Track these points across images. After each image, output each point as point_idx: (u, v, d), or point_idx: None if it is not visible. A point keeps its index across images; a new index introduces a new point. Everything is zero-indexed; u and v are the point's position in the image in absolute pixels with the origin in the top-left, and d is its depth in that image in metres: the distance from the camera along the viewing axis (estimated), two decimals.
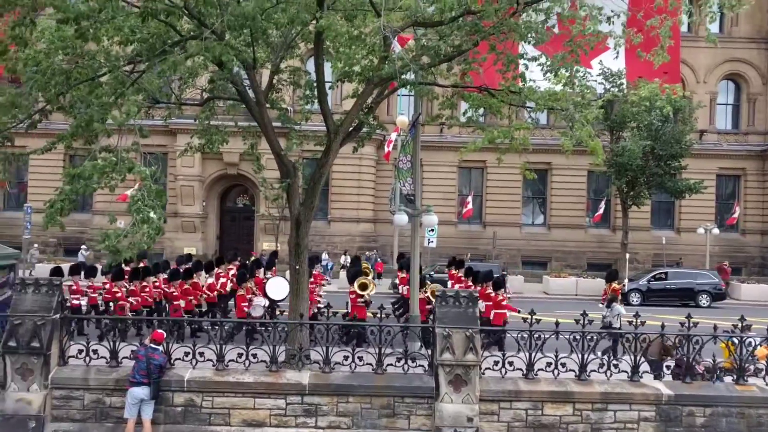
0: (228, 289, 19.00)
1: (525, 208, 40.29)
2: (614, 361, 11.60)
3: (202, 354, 11.38)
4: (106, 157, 10.61)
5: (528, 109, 14.77)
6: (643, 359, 11.64)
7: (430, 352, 11.68)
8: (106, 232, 10.20)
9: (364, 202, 37.29)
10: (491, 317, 16.72)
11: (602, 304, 18.70)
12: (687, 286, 30.51)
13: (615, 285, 19.58)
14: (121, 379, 11.04)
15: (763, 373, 11.56)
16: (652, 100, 19.91)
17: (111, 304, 17.01)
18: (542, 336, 11.32)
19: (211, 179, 36.48)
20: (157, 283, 18.12)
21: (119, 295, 16.92)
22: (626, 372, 11.46)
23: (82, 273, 18.21)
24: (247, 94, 13.44)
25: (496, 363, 11.32)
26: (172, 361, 11.38)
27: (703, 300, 30.18)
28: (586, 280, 33.89)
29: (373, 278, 21.22)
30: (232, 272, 19.70)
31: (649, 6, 11.31)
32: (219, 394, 11.09)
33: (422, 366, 11.58)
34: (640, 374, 11.45)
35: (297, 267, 13.54)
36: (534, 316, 11.34)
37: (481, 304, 17.21)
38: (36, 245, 33.82)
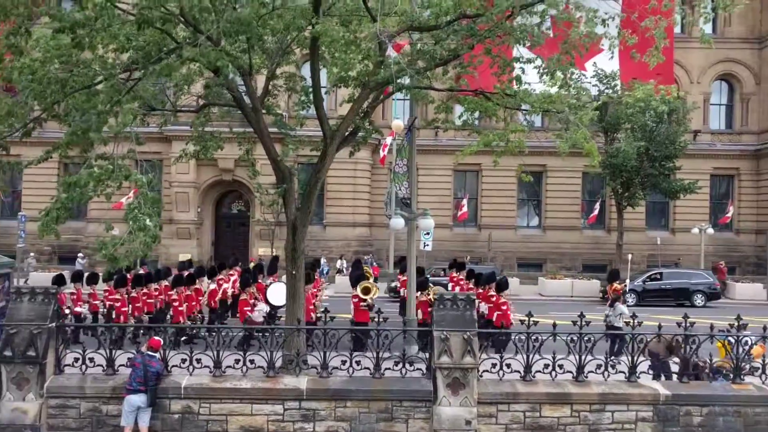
0: (229, 294, 19.02)
1: (520, 210, 40.39)
2: (611, 362, 11.62)
3: (199, 360, 11.36)
4: (102, 164, 10.60)
5: (523, 112, 14.80)
6: (642, 359, 11.67)
7: (427, 355, 11.69)
8: (102, 240, 10.20)
9: (359, 207, 37.31)
10: (494, 319, 16.72)
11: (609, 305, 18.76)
12: (682, 286, 30.62)
13: (616, 285, 19.63)
14: (118, 387, 11.02)
15: (759, 371, 11.60)
16: (647, 101, 20.04)
17: (113, 311, 16.98)
18: (539, 338, 11.35)
19: (206, 185, 36.45)
20: (158, 290, 18.11)
21: (120, 302, 16.88)
22: (624, 373, 11.49)
23: (84, 280, 18.20)
24: (243, 99, 13.47)
25: (493, 365, 11.34)
26: (169, 368, 11.36)
27: (698, 300, 30.30)
28: (582, 281, 34.01)
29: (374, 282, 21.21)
30: (233, 278, 19.70)
31: (644, 7, 11.37)
32: (216, 401, 11.08)
33: (420, 369, 11.60)
34: (637, 374, 11.49)
35: (294, 272, 13.55)
36: (531, 318, 11.37)
37: (484, 307, 17.29)
38: (32, 254, 33.73)
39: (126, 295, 17.04)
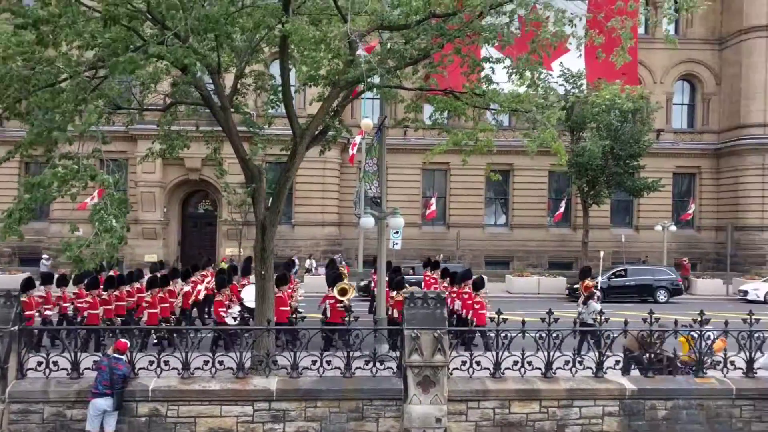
0: (202, 297, 18.84)
1: (487, 208, 40.74)
2: (579, 358, 11.78)
3: (167, 362, 11.21)
4: (67, 164, 10.40)
5: (492, 112, 14.92)
6: (609, 354, 11.85)
7: (398, 354, 11.71)
8: (67, 241, 10.00)
9: (328, 206, 37.20)
10: (470, 317, 16.81)
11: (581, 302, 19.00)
12: (645, 283, 31.22)
13: (588, 282, 19.87)
14: (83, 390, 10.81)
15: (721, 365, 11.88)
16: (614, 100, 20.37)
17: (86, 313, 16.65)
18: (509, 335, 11.46)
19: (173, 185, 35.97)
20: (130, 292, 17.85)
21: (91, 305, 16.54)
22: (591, 368, 11.67)
23: (54, 282, 17.83)
24: (211, 98, 13.33)
25: (463, 363, 11.41)
26: (136, 371, 11.20)
27: (661, 296, 30.91)
28: (548, 278, 34.46)
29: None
30: (207, 280, 19.51)
31: (610, 8, 11.56)
32: (185, 403, 10.95)
33: (391, 368, 11.62)
34: (604, 370, 11.67)
35: (263, 272, 13.46)
36: (501, 316, 11.47)
37: (458, 305, 17.42)
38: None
39: (97, 298, 16.71)
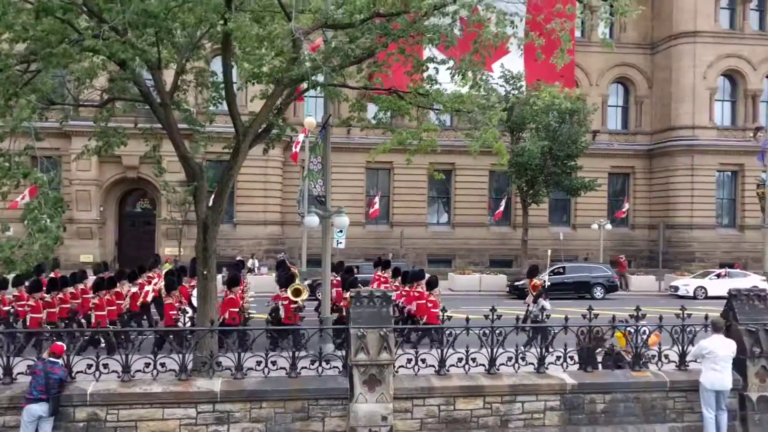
0: (150, 299, 18.40)
1: (430, 207, 41.16)
2: (521, 354, 11.99)
3: (106, 366, 10.87)
4: None
5: (435, 111, 15.06)
6: (551, 349, 12.10)
7: (344, 353, 11.69)
8: None
9: (271, 204, 36.84)
10: (424, 316, 16.90)
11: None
12: (583, 280, 32.13)
13: (536, 281, 20.26)
14: (16, 396, 10.36)
15: (656, 359, 12.30)
16: (554, 102, 20.83)
17: (28, 317, 15.93)
18: (453, 332, 11.57)
19: (109, 183, 35.02)
20: (74, 294, 17.26)
21: (34, 308, 15.85)
22: (533, 364, 11.90)
23: None
24: (151, 94, 13.00)
25: (409, 361, 11.45)
26: (73, 375, 10.83)
27: (598, 292, 31.88)
28: (489, 276, 35.03)
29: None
30: (154, 281, 19.04)
31: (549, 11, 11.83)
32: (125, 407, 10.64)
33: (336, 367, 11.57)
34: (546, 366, 11.92)
35: (205, 272, 13.23)
36: (445, 313, 11.58)
37: (412, 304, 17.54)
38: None
39: (40, 301, 16.04)
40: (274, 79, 13.19)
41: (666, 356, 12.08)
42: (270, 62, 13.41)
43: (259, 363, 11.24)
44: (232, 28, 10.76)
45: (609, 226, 36.97)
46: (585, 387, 11.59)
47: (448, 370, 11.59)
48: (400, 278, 19.89)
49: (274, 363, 11.23)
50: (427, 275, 18.80)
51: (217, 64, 14.47)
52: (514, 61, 24.26)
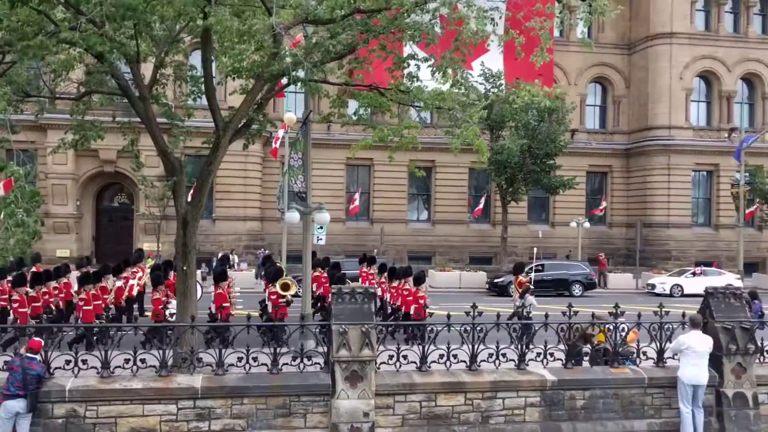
0: (135, 293, 18.25)
1: (410, 204, 41.23)
2: (502, 350, 12.04)
3: (85, 361, 10.73)
4: None
5: (416, 108, 15.06)
6: (532, 346, 12.17)
7: (326, 349, 11.66)
8: None
9: (250, 200, 36.64)
10: (411, 312, 16.89)
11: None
12: (562, 277, 32.38)
13: (521, 278, 20.36)
14: None
15: (634, 355, 12.44)
16: (533, 100, 20.95)
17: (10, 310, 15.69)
18: (435, 329, 11.59)
19: (86, 177, 34.59)
20: (58, 288, 17.07)
21: (19, 302, 15.60)
22: (514, 360, 11.97)
23: None
24: (129, 88, 12.83)
25: (390, 357, 11.47)
26: (51, 370, 10.68)
27: (576, 289, 32.15)
28: (469, 273, 35.20)
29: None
30: (139, 275, 18.85)
31: (529, 9, 11.87)
32: (104, 403, 10.52)
33: (318, 364, 11.55)
34: (526, 362, 12.00)
35: (185, 268, 13.12)
36: (427, 310, 11.60)
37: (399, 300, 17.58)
38: None
39: (24, 296, 15.78)
40: (255, 74, 13.09)
41: (644, 353, 12.22)
42: (250, 57, 13.31)
43: (240, 359, 11.18)
44: (212, 22, 10.65)
45: (587, 225, 37.33)
46: (565, 383, 11.68)
47: (429, 367, 11.62)
48: (386, 274, 19.90)
49: (255, 359, 11.18)
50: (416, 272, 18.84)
51: (196, 58, 14.33)
52: (493, 60, 24.35)
